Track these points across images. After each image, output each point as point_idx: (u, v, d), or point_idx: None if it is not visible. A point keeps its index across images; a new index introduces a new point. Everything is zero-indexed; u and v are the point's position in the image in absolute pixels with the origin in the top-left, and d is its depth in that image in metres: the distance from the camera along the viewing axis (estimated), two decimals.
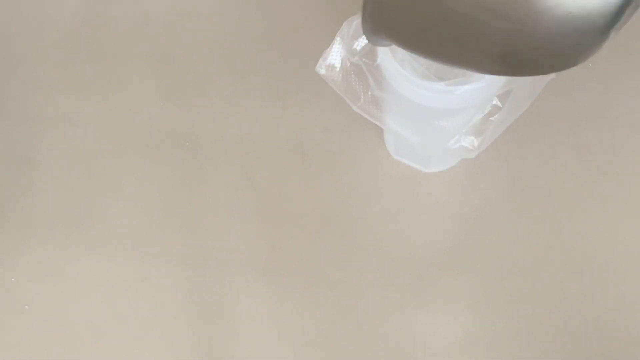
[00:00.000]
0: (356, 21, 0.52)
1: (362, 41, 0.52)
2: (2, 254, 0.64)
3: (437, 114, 0.53)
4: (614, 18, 0.35)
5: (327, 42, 0.54)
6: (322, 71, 0.54)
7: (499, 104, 0.53)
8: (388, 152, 0.65)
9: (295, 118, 0.67)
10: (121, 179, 0.66)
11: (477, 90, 0.51)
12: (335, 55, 0.54)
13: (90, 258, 0.63)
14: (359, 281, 0.60)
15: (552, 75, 0.51)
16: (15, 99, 0.70)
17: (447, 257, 0.61)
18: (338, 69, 0.54)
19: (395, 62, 0.51)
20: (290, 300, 0.60)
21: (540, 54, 0.38)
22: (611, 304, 0.58)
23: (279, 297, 0.60)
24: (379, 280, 0.60)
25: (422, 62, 0.51)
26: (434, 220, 0.63)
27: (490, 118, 0.53)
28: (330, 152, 0.65)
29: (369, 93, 0.55)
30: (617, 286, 0.59)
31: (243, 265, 0.62)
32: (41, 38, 0.73)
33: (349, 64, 0.54)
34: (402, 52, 0.51)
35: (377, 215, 0.63)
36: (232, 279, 0.61)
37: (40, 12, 0.75)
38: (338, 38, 0.53)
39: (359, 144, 0.66)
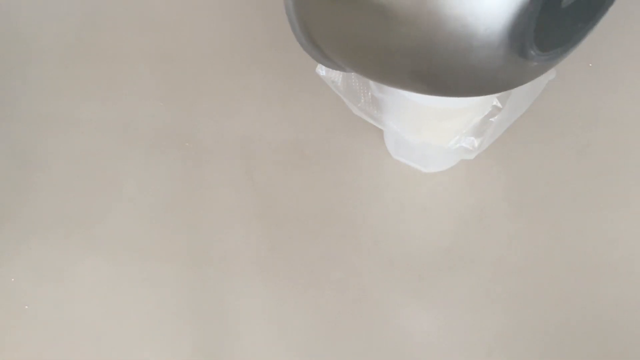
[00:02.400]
0: None
1: None
2: (2, 254, 0.64)
3: (438, 114, 0.53)
4: (506, 35, 0.35)
5: None
6: (322, 73, 0.54)
7: (499, 104, 0.53)
8: (388, 152, 0.65)
9: (295, 118, 0.67)
10: (121, 179, 0.66)
11: None
12: None
13: (90, 258, 0.63)
14: (359, 281, 0.61)
15: (552, 76, 0.51)
16: (15, 99, 0.70)
17: (447, 257, 0.61)
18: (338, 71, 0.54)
19: None
20: (290, 300, 0.60)
21: (445, 67, 0.39)
22: (611, 304, 0.58)
23: (279, 297, 0.60)
24: (379, 280, 0.60)
25: None
26: (434, 220, 0.63)
27: (491, 119, 0.53)
28: (330, 152, 0.65)
29: (369, 94, 0.55)
30: (617, 286, 0.59)
31: (243, 265, 0.62)
32: (41, 38, 0.73)
33: None
34: None
35: (377, 215, 0.63)
36: (232, 279, 0.61)
37: (40, 13, 0.75)
38: None
39: (359, 144, 0.66)
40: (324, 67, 0.54)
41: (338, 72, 0.54)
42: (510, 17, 0.34)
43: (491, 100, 0.53)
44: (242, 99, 0.68)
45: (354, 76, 0.54)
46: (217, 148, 0.66)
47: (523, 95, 0.53)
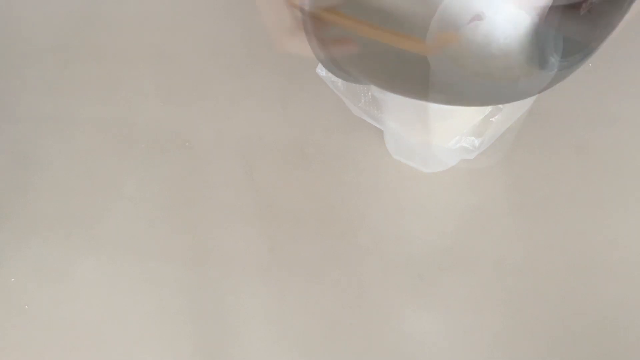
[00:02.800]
0: None
1: None
2: (2, 254, 0.64)
3: (438, 114, 0.53)
4: (525, 42, 0.35)
5: None
6: (323, 73, 0.54)
7: (499, 105, 0.53)
8: (388, 152, 0.65)
9: (295, 118, 0.67)
10: (121, 179, 0.66)
11: None
12: None
13: (90, 258, 0.63)
14: (359, 281, 0.61)
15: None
16: (15, 99, 0.70)
17: (447, 257, 0.61)
18: None
19: None
20: (290, 300, 0.60)
21: (464, 76, 0.39)
22: (611, 304, 0.58)
23: (279, 297, 0.60)
24: (379, 280, 0.61)
25: None
26: (434, 220, 0.63)
27: (491, 119, 0.53)
28: (330, 152, 0.65)
29: (369, 94, 0.55)
30: (617, 286, 0.59)
31: (243, 265, 0.62)
32: (41, 38, 0.73)
33: None
34: None
35: (377, 215, 0.63)
36: (232, 279, 0.61)
37: (40, 13, 0.75)
38: None
39: (359, 144, 0.65)
40: (324, 67, 0.54)
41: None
42: (528, 25, 0.34)
43: None
44: (242, 99, 0.68)
45: None
46: (217, 148, 0.66)
47: None
